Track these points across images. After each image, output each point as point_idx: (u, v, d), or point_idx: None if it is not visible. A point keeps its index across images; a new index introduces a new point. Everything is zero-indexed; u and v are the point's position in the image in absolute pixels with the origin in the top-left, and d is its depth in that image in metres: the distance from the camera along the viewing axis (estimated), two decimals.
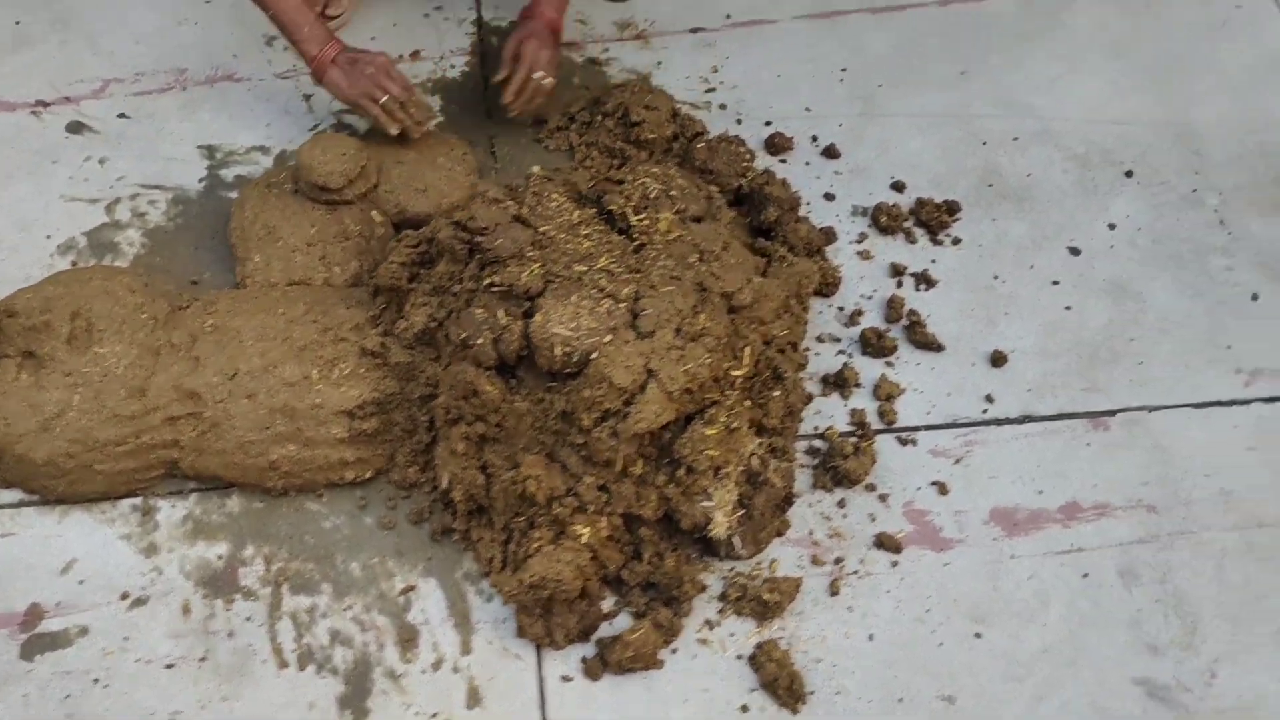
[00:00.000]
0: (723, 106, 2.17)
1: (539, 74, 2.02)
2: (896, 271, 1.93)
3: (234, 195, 2.02)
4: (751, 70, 2.23)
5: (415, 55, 2.25)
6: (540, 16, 2.06)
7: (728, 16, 2.31)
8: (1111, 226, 2.00)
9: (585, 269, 1.64)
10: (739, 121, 2.15)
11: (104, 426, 1.69)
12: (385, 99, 1.94)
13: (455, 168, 2.02)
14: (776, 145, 2.10)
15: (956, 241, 1.98)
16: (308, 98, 2.17)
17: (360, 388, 1.72)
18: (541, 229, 1.68)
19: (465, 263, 1.69)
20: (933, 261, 1.95)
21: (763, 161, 2.08)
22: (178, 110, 2.16)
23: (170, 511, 1.72)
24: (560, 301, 1.58)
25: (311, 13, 1.98)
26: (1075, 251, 1.96)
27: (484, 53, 2.25)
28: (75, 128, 2.13)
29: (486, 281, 1.62)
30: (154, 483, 1.74)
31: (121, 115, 2.15)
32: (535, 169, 1.82)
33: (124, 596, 1.64)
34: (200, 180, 2.06)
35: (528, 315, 1.59)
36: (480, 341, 1.60)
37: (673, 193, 1.79)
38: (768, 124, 2.14)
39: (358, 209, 1.93)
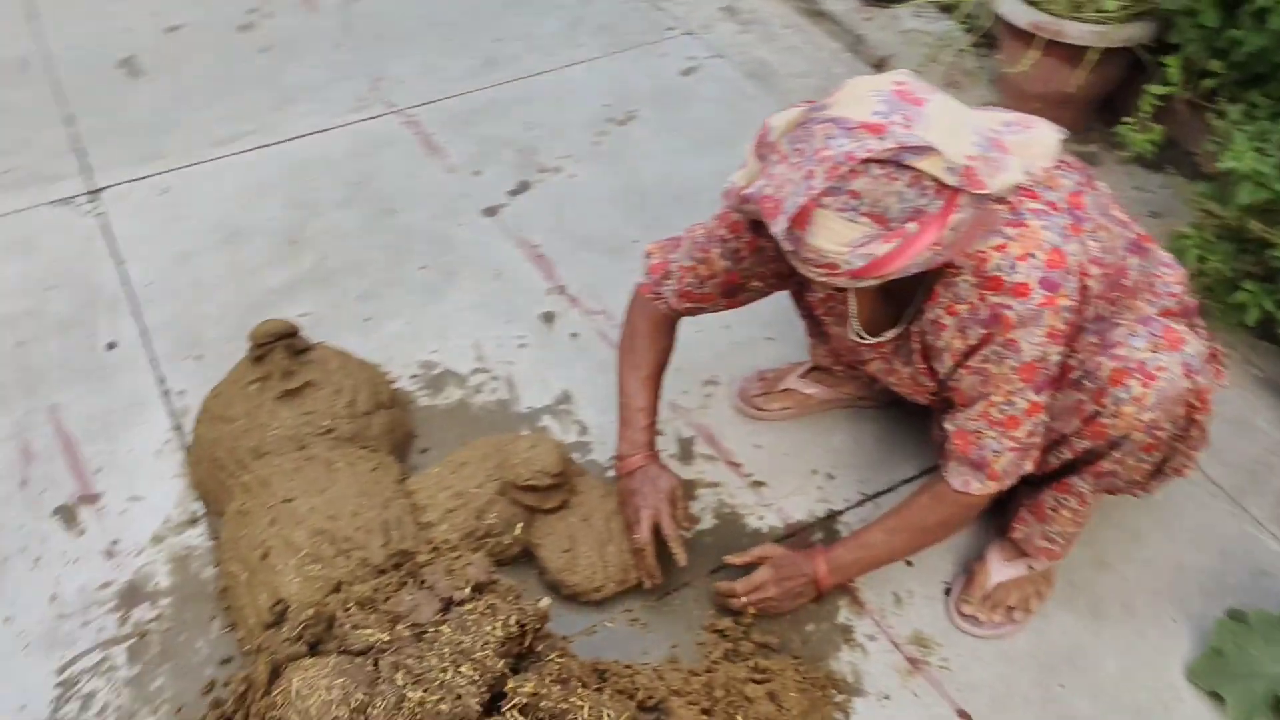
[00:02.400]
0: None
1: (745, 599, 1.84)
2: None
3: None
4: None
5: (761, 484, 2.11)
6: (815, 558, 1.84)
7: None
8: None
9: (404, 682, 1.47)
10: None
11: (243, 451, 2.02)
12: (635, 535, 1.88)
13: (609, 567, 1.90)
14: None
15: None
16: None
17: (299, 590, 1.74)
18: (442, 628, 1.54)
19: (395, 591, 1.63)
20: None
21: None
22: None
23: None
24: (330, 669, 1.45)
25: (645, 418, 1.94)
26: None
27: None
28: None
29: (353, 604, 1.56)
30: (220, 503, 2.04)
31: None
32: (545, 601, 1.63)
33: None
34: None
35: (314, 652, 1.50)
36: (280, 628, 1.55)
37: None
38: None
39: (515, 510, 1.93)
